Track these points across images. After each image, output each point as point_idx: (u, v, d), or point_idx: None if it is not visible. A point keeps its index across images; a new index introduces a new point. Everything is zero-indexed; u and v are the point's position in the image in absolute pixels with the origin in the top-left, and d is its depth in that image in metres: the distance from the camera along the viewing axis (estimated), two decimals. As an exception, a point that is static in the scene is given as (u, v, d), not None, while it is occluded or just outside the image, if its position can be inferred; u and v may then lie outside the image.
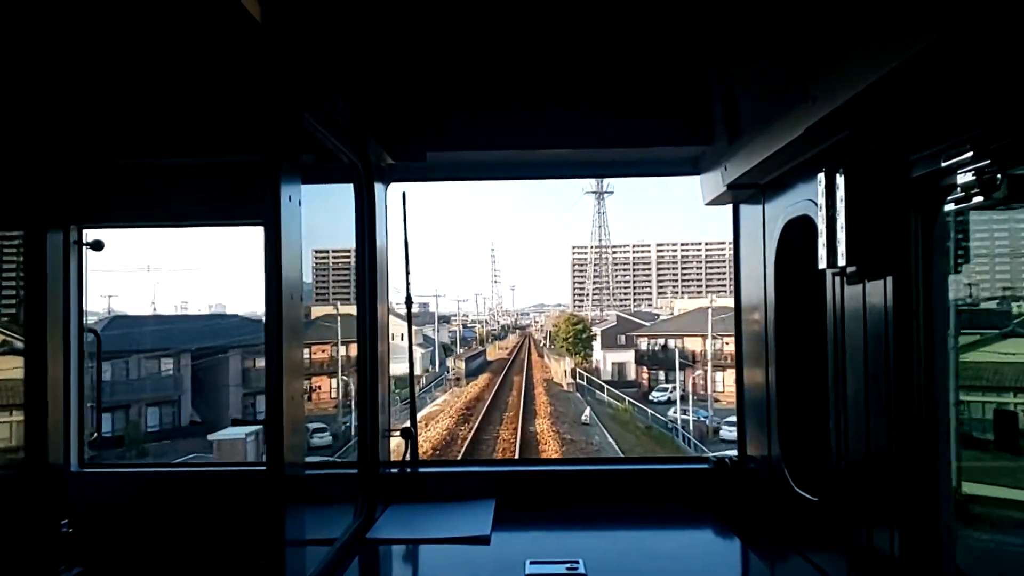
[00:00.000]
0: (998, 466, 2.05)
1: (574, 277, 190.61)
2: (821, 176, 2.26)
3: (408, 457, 3.75)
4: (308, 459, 2.61)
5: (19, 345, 3.62)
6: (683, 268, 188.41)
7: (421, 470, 3.76)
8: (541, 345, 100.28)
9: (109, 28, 2.69)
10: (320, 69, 2.55)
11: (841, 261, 2.20)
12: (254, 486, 2.75)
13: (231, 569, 3.53)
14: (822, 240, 2.27)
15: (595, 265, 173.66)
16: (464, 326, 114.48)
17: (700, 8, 3.05)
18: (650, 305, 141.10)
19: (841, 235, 2.18)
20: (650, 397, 54.01)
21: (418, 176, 3.85)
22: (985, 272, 2.12)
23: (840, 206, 2.18)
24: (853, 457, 2.38)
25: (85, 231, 3.95)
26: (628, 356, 67.82)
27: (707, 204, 3.70)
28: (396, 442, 3.73)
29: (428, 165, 3.65)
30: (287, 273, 2.23)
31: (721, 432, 35.07)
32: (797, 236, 2.86)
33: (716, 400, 41.26)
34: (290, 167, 2.30)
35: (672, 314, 77.33)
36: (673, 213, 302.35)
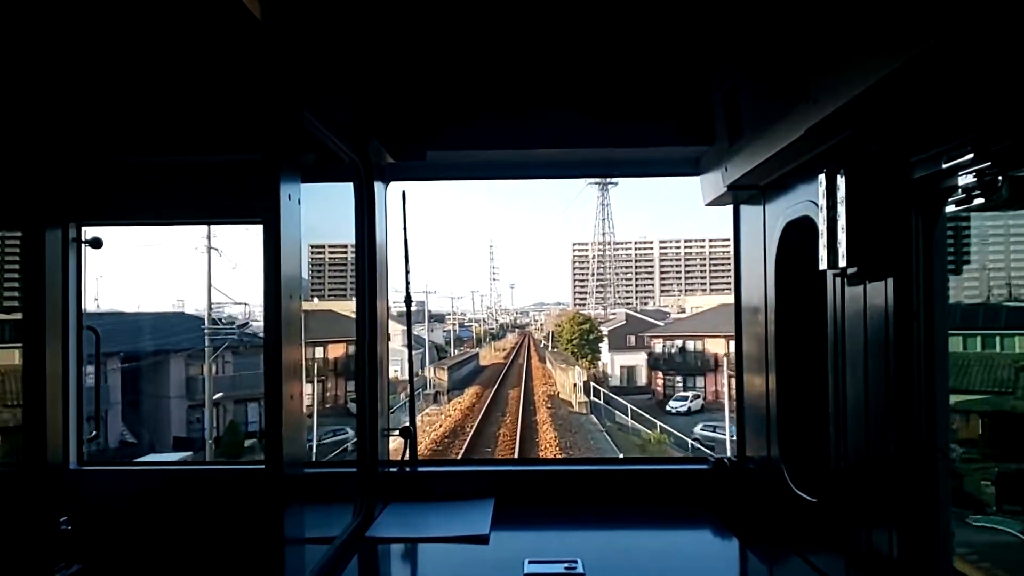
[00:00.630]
0: None
1: (575, 275, 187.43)
2: (822, 177, 2.27)
3: (407, 456, 3.81)
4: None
5: (17, 343, 3.68)
6: (687, 265, 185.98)
7: (420, 469, 3.81)
8: (542, 346, 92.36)
9: (109, 26, 2.66)
10: (321, 68, 2.61)
11: (842, 262, 2.21)
12: (253, 485, 3.15)
13: (230, 568, 3.55)
14: (823, 241, 2.28)
15: (599, 260, 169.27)
16: (461, 325, 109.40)
17: (701, 8, 3.01)
18: (653, 303, 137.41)
19: (842, 236, 2.19)
20: (668, 408, 46.68)
21: (418, 175, 3.87)
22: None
23: (841, 207, 2.20)
24: (852, 458, 2.39)
25: (84, 228, 3.97)
26: (639, 359, 60.34)
27: (707, 205, 3.71)
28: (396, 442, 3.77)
29: (428, 164, 3.68)
30: (286, 272, 2.24)
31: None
32: (798, 237, 2.87)
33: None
34: (290, 166, 2.32)
35: (684, 312, 71.29)
36: (675, 210, 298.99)
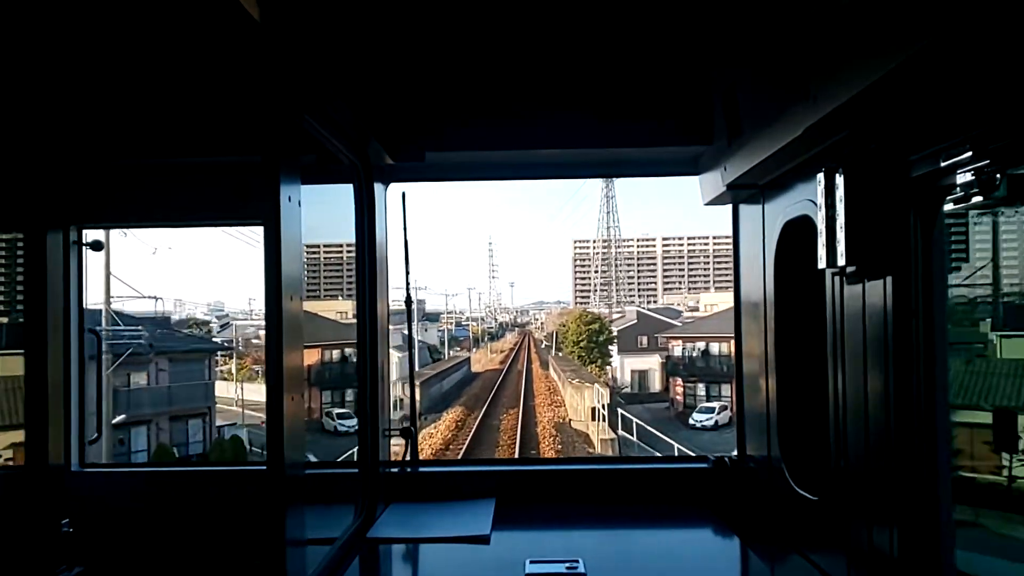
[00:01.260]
0: None
1: (576, 273, 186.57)
2: (821, 176, 2.28)
3: (408, 456, 3.80)
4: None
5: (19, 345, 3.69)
6: (690, 263, 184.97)
7: (421, 469, 3.80)
8: (543, 347, 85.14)
9: (109, 28, 2.67)
10: (320, 70, 2.62)
11: (841, 261, 2.21)
12: (254, 486, 3.16)
13: (231, 569, 3.55)
14: (822, 240, 2.29)
15: (603, 256, 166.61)
16: (458, 324, 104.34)
17: (700, 8, 2.96)
18: (656, 301, 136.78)
19: (841, 235, 2.20)
20: (691, 421, 40.10)
21: (418, 176, 3.87)
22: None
23: (840, 206, 2.20)
24: (853, 456, 2.39)
25: (85, 231, 3.99)
26: (652, 362, 54.64)
27: (706, 204, 3.72)
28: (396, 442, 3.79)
29: (428, 165, 3.69)
30: (287, 273, 2.25)
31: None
32: (797, 236, 2.88)
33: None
34: (290, 168, 2.33)
35: (697, 309, 67.58)
36: (677, 207, 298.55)
